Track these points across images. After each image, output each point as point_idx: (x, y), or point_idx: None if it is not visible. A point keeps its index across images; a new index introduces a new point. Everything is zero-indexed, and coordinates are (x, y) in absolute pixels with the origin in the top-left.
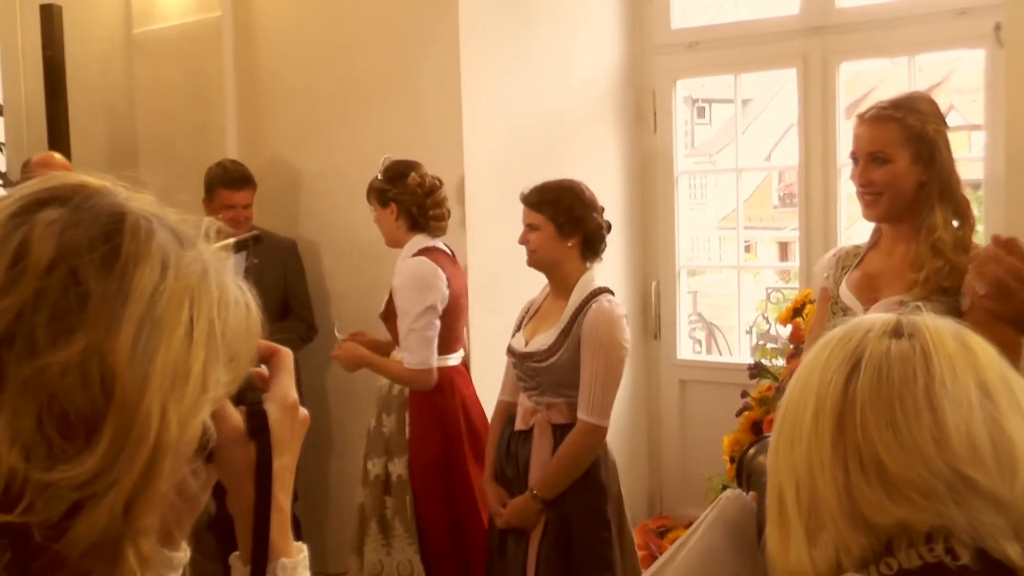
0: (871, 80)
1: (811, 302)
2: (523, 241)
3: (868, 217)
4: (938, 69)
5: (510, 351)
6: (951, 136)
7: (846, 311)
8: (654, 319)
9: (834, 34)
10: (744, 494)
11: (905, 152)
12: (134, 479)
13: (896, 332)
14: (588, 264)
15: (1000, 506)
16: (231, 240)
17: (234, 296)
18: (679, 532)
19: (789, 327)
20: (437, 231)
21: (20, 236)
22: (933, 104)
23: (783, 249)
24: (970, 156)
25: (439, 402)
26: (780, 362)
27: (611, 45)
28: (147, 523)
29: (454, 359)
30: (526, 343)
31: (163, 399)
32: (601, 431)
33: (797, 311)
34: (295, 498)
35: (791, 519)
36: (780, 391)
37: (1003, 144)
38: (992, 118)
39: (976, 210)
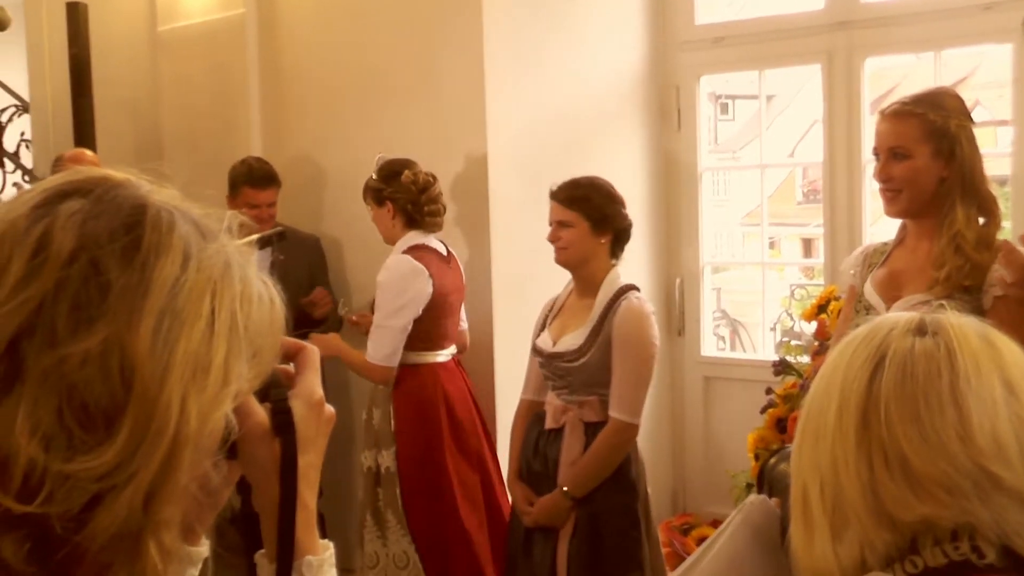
0: (896, 76)
1: (836, 299)
2: (554, 238)
3: (889, 213)
4: (964, 64)
5: (537, 351)
6: (977, 132)
7: (869, 309)
8: (678, 316)
9: (859, 29)
10: (768, 499)
11: (925, 148)
12: (154, 471)
13: (920, 330)
14: (613, 262)
15: None
16: (255, 236)
17: (258, 290)
18: (703, 529)
19: (814, 324)
20: (432, 227)
21: (42, 227)
22: (957, 99)
23: (807, 245)
24: (996, 152)
25: (420, 397)
26: (805, 359)
27: (635, 41)
28: (168, 516)
29: (442, 356)
30: (553, 343)
31: (183, 391)
32: (633, 429)
33: (822, 308)
34: (320, 494)
35: (815, 517)
36: (805, 388)
37: None
38: (1019, 113)
39: (1003, 206)
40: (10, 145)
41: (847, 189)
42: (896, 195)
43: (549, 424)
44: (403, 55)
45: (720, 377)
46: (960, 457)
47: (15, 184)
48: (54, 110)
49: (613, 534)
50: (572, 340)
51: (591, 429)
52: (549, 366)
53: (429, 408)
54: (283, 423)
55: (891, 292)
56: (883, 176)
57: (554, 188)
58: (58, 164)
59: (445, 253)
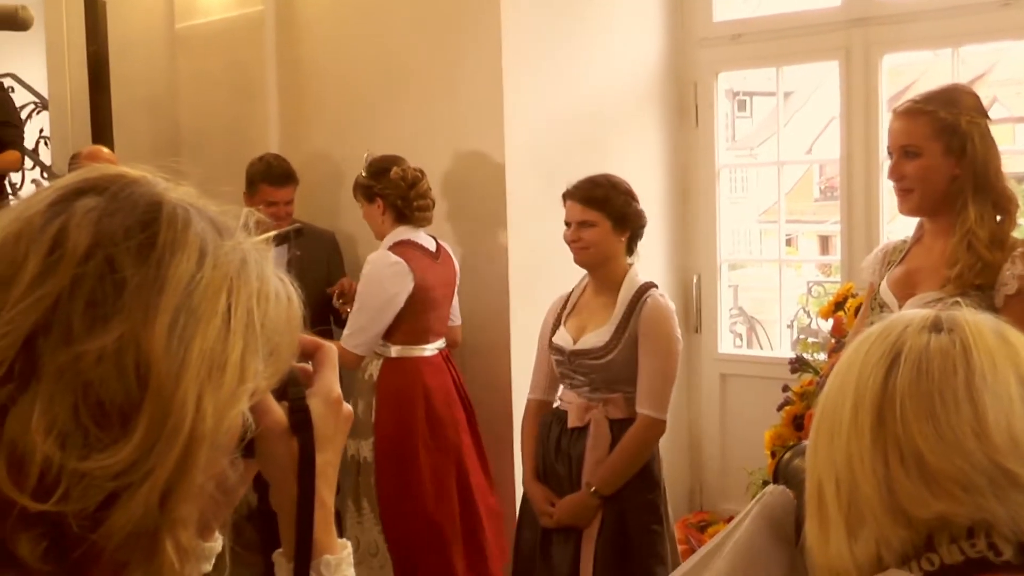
0: (914, 72)
1: (853, 296)
2: (574, 238)
3: (903, 212)
4: (982, 61)
5: (555, 349)
6: (994, 129)
7: (883, 307)
8: (695, 313)
9: (876, 26)
10: (786, 489)
11: (936, 145)
12: (170, 469)
13: (935, 327)
14: (629, 259)
15: None
16: (272, 232)
17: (275, 288)
18: (720, 527)
19: (830, 321)
20: (422, 222)
21: (58, 224)
22: (972, 96)
23: (824, 243)
24: (1014, 149)
25: (398, 390)
26: (821, 356)
27: (653, 37)
28: (185, 514)
29: (428, 350)
30: (574, 341)
31: (199, 388)
32: (662, 425)
33: (839, 305)
34: (336, 492)
35: (831, 514)
36: (821, 385)
37: None
38: None
39: (1022, 203)
40: (29, 142)
41: (864, 186)
42: (908, 194)
43: (573, 423)
44: (421, 52)
45: (737, 374)
46: (976, 454)
47: (33, 180)
48: (72, 107)
49: (639, 531)
50: (596, 337)
51: (616, 427)
52: (570, 364)
53: (407, 402)
54: (301, 421)
55: (906, 290)
56: (895, 175)
57: (571, 188)
58: (75, 161)
59: (434, 248)
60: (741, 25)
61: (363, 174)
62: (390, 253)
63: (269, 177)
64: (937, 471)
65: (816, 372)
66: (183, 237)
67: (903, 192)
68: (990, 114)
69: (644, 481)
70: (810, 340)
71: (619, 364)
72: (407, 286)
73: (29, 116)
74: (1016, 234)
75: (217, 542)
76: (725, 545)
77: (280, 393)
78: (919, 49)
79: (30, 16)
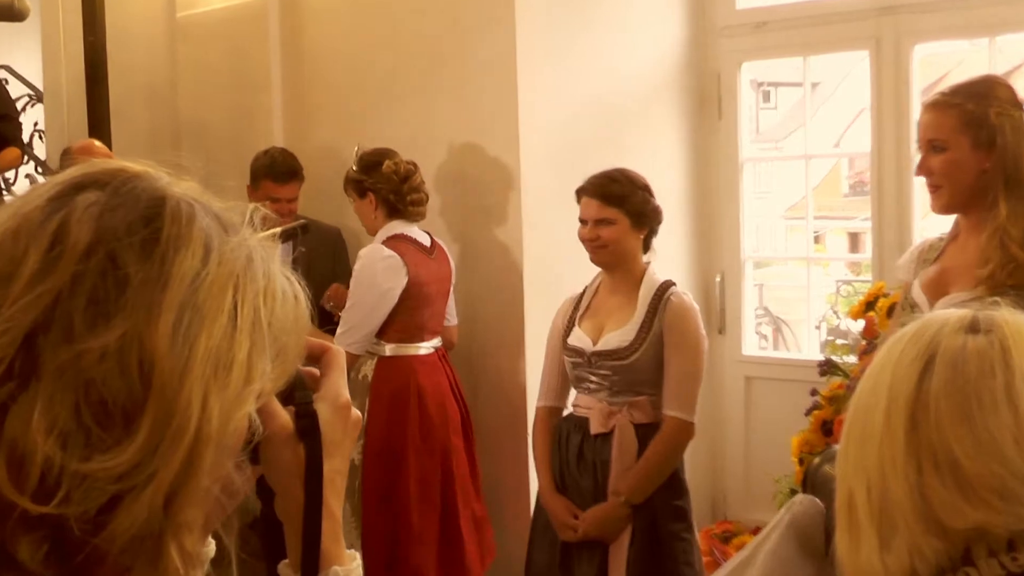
0: (949, 63)
1: (884, 295)
2: (592, 236)
3: (934, 209)
4: (1019, 51)
5: (572, 351)
6: None
7: (914, 307)
8: (718, 313)
9: (908, 14)
10: (815, 499)
11: (963, 139)
12: (174, 471)
13: (972, 327)
14: (645, 257)
15: None
16: (278, 229)
17: (281, 286)
18: (744, 538)
19: (861, 322)
20: (415, 216)
21: (58, 220)
22: (1006, 88)
23: (854, 240)
24: None
25: (391, 390)
26: (851, 359)
27: (673, 26)
28: (190, 518)
29: (422, 348)
30: (593, 342)
31: (204, 388)
32: (691, 427)
33: (869, 305)
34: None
35: (862, 522)
36: (851, 389)
37: None
38: None
39: None
40: (24, 136)
41: (896, 181)
42: (937, 190)
43: (596, 429)
44: (432, 42)
45: (762, 377)
46: (1016, 461)
47: (27, 176)
48: (69, 99)
49: (670, 539)
50: (619, 337)
51: (641, 431)
52: (589, 366)
53: (400, 403)
54: (308, 427)
55: (938, 291)
56: (922, 170)
57: (586, 184)
58: (66, 156)
59: (428, 243)
60: (766, 13)
61: (353, 168)
62: (383, 247)
63: (272, 173)
64: (973, 478)
65: (846, 375)
66: (187, 233)
67: (932, 188)
68: None
69: (673, 487)
70: (839, 342)
71: (644, 364)
72: (401, 281)
73: (24, 109)
74: None
75: (210, 546)
76: (755, 558)
77: (286, 397)
78: (952, 39)
79: (26, 7)
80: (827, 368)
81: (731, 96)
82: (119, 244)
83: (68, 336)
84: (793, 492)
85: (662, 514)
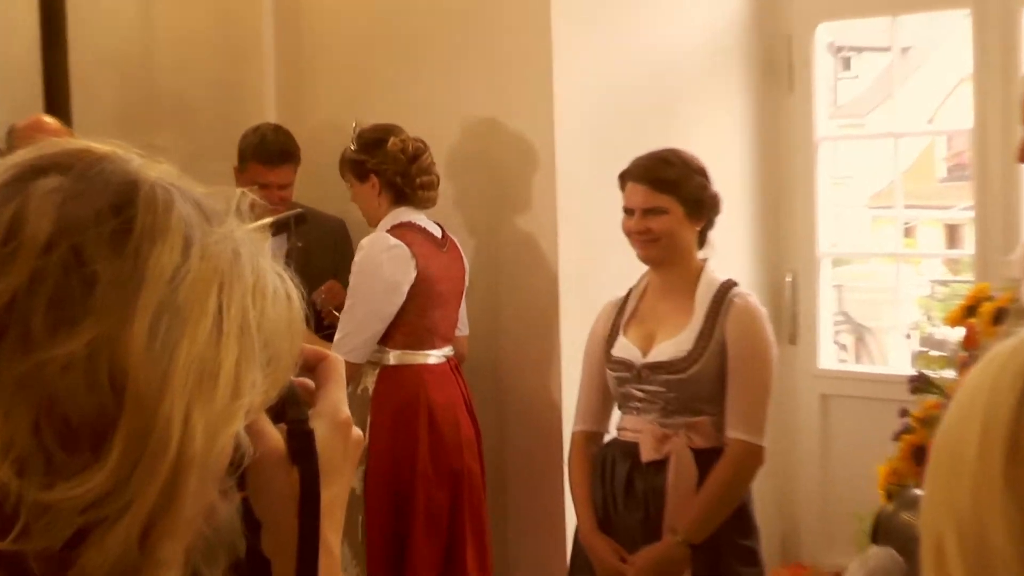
0: None
1: (988, 299)
2: (640, 229)
3: None
4: None
5: (618, 363)
6: None
7: (1021, 315)
8: (789, 320)
9: None
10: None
11: None
12: (152, 500)
13: None
14: (700, 253)
15: None
16: (270, 219)
17: (273, 284)
18: None
19: (960, 330)
20: (425, 203)
21: (13, 209)
22: None
23: (951, 233)
24: None
25: (397, 405)
26: (949, 373)
27: None
28: (169, 554)
29: (432, 356)
30: (643, 352)
31: (187, 402)
32: (760, 452)
33: (970, 310)
34: None
35: (953, 572)
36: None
37: None
38: None
39: None
40: None
41: (1001, 163)
42: None
43: (647, 455)
44: (453, 2)
45: (842, 395)
46: None
47: None
48: (20, 67)
49: None
50: (675, 346)
51: (702, 458)
52: (639, 381)
53: (406, 419)
54: (303, 448)
55: None
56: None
57: (633, 167)
58: (12, 137)
59: (440, 235)
60: None
61: (352, 147)
62: (387, 235)
63: (261, 154)
64: None
65: (942, 393)
66: (164, 223)
67: None
68: None
69: (739, 524)
70: (934, 353)
71: (705, 378)
72: (409, 274)
73: None
74: None
75: None
76: None
77: (277, 413)
78: None
79: None
80: (919, 384)
81: (805, 63)
82: (85, 236)
83: (26, 344)
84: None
85: (727, 556)
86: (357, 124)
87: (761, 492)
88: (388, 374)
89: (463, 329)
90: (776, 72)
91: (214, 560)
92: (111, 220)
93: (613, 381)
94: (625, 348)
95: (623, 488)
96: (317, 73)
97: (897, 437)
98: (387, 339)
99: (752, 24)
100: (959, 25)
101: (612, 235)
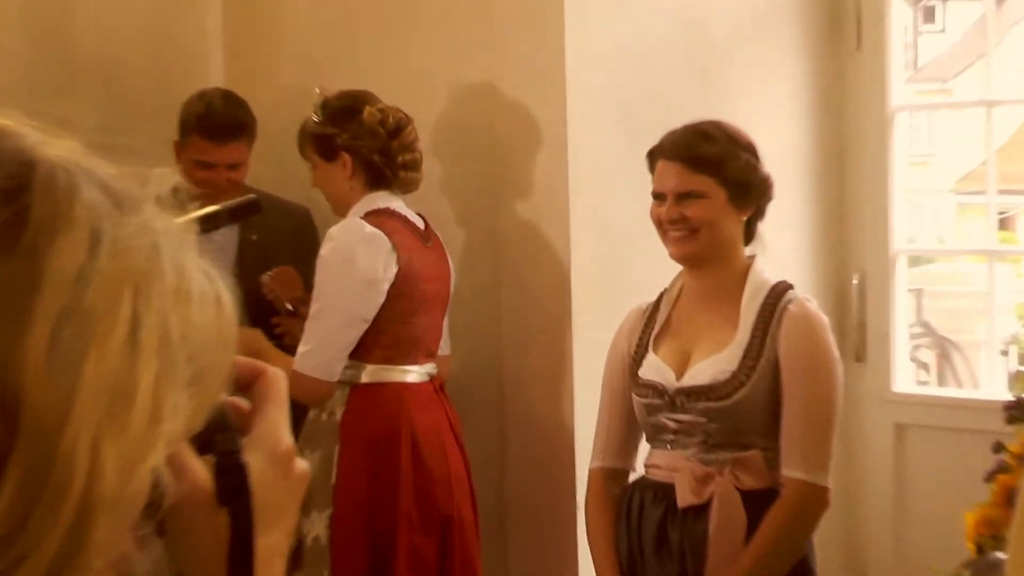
0: None
1: None
2: (673, 218)
3: None
4: None
5: (646, 387)
6: None
7: None
8: (856, 331)
9: None
10: None
11: None
12: (54, 549)
13: None
14: (748, 248)
15: None
16: (215, 208)
17: (199, 286)
18: None
19: None
20: (407, 186)
21: None
22: None
23: None
24: None
25: (373, 433)
26: None
27: None
28: None
29: (413, 373)
30: (679, 374)
31: (95, 430)
32: (825, 495)
33: None
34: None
35: None
36: None
37: None
38: None
39: None
40: None
41: None
42: None
43: (685, 499)
44: None
45: (921, 424)
46: None
47: None
48: None
49: None
50: (715, 366)
51: (752, 501)
52: (673, 408)
53: (385, 450)
54: (234, 486)
55: None
56: None
57: (665, 142)
58: None
59: (423, 227)
60: None
61: (316, 119)
62: (362, 222)
63: (207, 126)
64: None
65: None
66: (67, 212)
67: None
68: None
69: None
70: None
71: (754, 405)
72: (390, 269)
73: None
74: None
75: None
76: None
77: (204, 442)
78: None
79: None
80: (1018, 412)
81: (876, 17)
82: None
83: None
84: None
85: None
86: (322, 91)
87: (824, 543)
88: (361, 395)
89: (444, 348)
90: (840, 27)
91: None
92: (1, 210)
93: (641, 409)
94: (655, 368)
95: (654, 539)
96: (276, 27)
97: (990, 477)
98: (360, 351)
99: None
100: None
101: (638, 227)
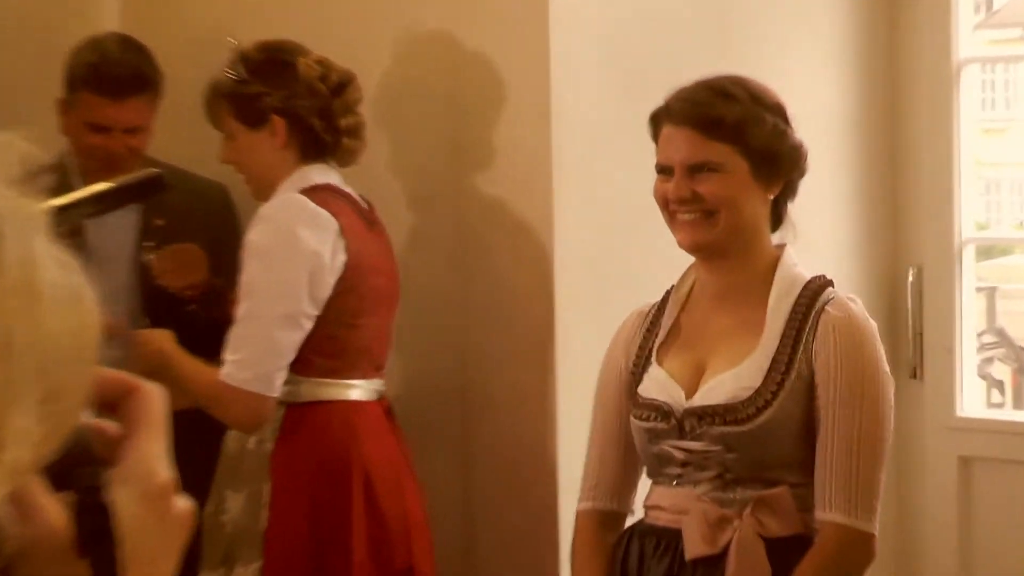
0: None
1: None
2: (683, 196)
3: None
4: None
5: (648, 408)
6: None
7: None
8: (911, 341)
9: None
10: None
11: None
12: None
13: None
14: (776, 234)
15: None
16: (109, 184)
17: (51, 281)
18: None
19: None
20: (349, 156)
21: None
22: None
23: None
24: None
25: (315, 464)
26: None
27: None
28: None
29: (358, 389)
30: (688, 392)
31: None
32: (871, 543)
33: None
34: None
35: None
36: None
37: None
38: None
39: None
40: None
41: None
42: None
43: (696, 549)
44: None
45: (992, 457)
46: None
47: None
48: None
49: None
50: (735, 382)
51: (778, 551)
52: (682, 434)
53: (331, 487)
54: (96, 529)
55: None
56: None
57: (672, 102)
58: None
59: (367, 208)
60: None
61: (234, 75)
62: (302, 198)
63: (101, 80)
64: None
65: None
66: None
67: None
68: None
69: None
70: None
71: (782, 430)
72: (338, 256)
73: None
74: None
75: None
76: None
77: (60, 476)
78: None
79: None
80: None
81: None
82: None
83: None
84: None
85: None
86: (237, 42)
87: None
88: (299, 417)
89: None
90: None
91: None
92: None
93: (641, 435)
94: (660, 384)
95: None
96: None
97: None
98: (295, 362)
99: None
100: None
101: (638, 208)
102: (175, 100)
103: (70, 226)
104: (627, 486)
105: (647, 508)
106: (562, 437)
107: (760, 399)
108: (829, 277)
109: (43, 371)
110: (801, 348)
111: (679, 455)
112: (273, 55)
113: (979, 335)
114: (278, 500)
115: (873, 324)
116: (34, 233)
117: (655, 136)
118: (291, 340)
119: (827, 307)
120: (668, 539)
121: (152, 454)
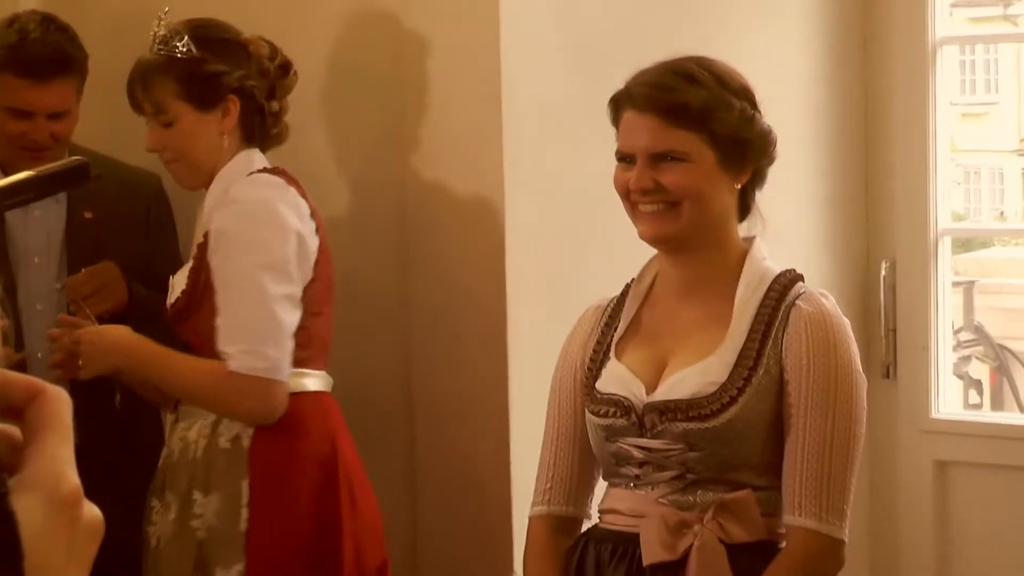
0: None
1: None
2: (645, 186)
3: None
4: None
5: (607, 403)
6: None
7: None
8: (884, 337)
9: None
10: None
11: None
12: None
13: None
14: (743, 225)
15: None
16: (28, 173)
17: None
18: None
19: None
20: (280, 140)
21: None
22: None
23: None
24: None
25: (303, 458)
26: None
27: None
28: None
29: (322, 380)
30: (650, 386)
31: None
32: (839, 550)
33: None
34: None
35: None
36: None
37: None
38: None
39: None
40: None
41: None
42: None
43: (653, 554)
44: None
45: (969, 461)
46: None
47: None
48: None
49: None
50: (700, 377)
51: (741, 558)
52: (641, 432)
53: (317, 483)
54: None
55: None
56: None
57: (632, 86)
58: None
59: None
60: None
61: (185, 52)
62: (274, 177)
63: (19, 61)
64: None
65: None
66: None
67: None
68: None
69: None
70: None
71: (747, 429)
72: (312, 238)
73: None
74: None
75: None
76: None
77: None
78: None
79: None
80: None
81: None
82: None
83: None
84: None
85: None
86: (167, 14)
87: None
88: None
89: None
90: None
91: None
92: None
93: (598, 433)
94: (618, 379)
95: None
96: None
97: None
98: None
99: None
100: None
101: (595, 199)
102: (100, 82)
103: None
104: (583, 489)
105: (603, 512)
106: (515, 440)
107: (725, 395)
108: (799, 271)
109: None
110: (770, 344)
111: (637, 454)
112: (217, 32)
113: (956, 332)
114: (258, 498)
115: (846, 321)
116: None
117: (615, 121)
118: (293, 322)
119: (798, 302)
120: (625, 544)
121: (59, 459)
